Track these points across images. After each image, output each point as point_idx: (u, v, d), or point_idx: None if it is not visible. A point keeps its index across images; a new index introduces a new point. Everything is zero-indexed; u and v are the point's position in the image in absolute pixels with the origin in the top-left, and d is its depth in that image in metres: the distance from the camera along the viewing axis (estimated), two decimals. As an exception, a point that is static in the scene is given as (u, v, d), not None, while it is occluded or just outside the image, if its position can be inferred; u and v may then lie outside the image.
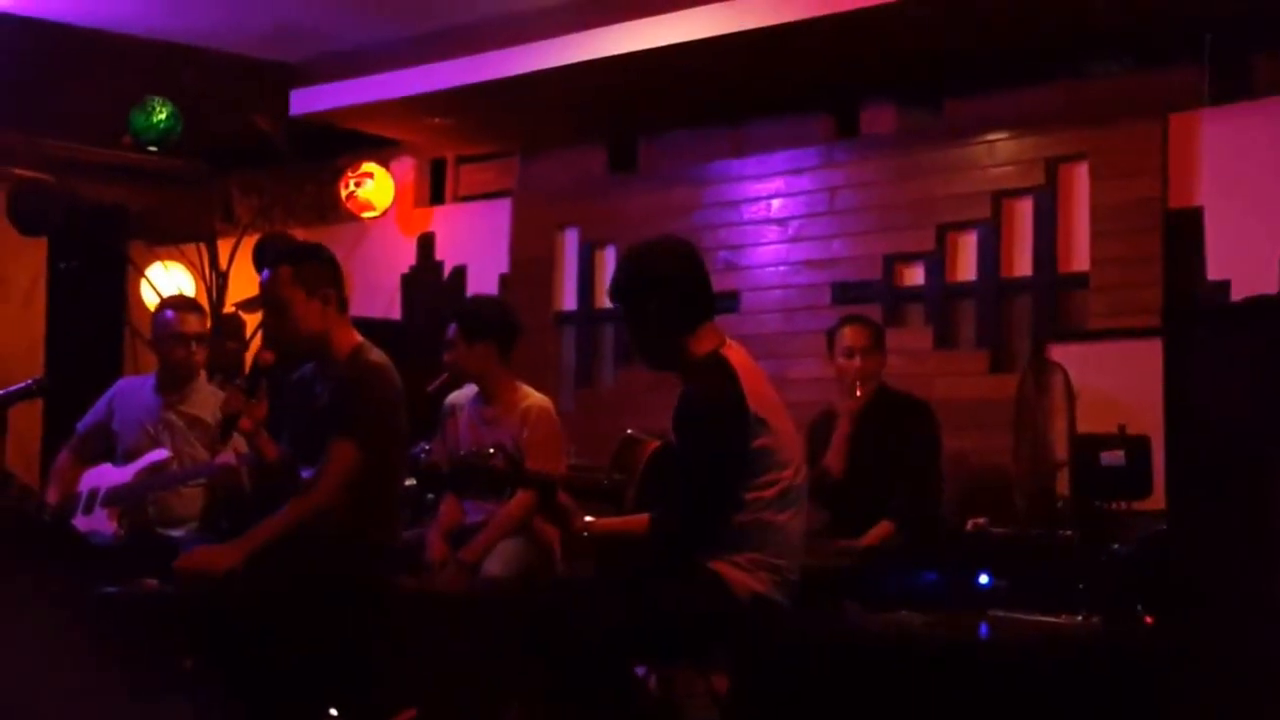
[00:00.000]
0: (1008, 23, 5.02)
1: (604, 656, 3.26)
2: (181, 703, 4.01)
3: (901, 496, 4.69)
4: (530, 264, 6.86)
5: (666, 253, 3.49)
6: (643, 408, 5.75)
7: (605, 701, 3.27)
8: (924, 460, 4.79)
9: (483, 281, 7.00)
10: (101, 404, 5.01)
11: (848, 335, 4.86)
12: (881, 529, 4.63)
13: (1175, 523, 4.43)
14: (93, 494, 4.86)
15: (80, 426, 4.99)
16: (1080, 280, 5.31)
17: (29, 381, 4.75)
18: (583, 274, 6.74)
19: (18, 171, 7.28)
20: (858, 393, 4.77)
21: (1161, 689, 3.22)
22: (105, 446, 4.94)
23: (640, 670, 3.99)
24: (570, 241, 6.80)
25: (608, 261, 6.65)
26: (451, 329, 4.70)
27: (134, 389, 5.07)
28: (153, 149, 7.06)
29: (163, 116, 6.89)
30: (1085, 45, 5.25)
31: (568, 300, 6.81)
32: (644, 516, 3.38)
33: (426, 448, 4.84)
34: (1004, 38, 5.18)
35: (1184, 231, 5.05)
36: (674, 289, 3.39)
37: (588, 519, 3.44)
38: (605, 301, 6.66)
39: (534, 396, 4.68)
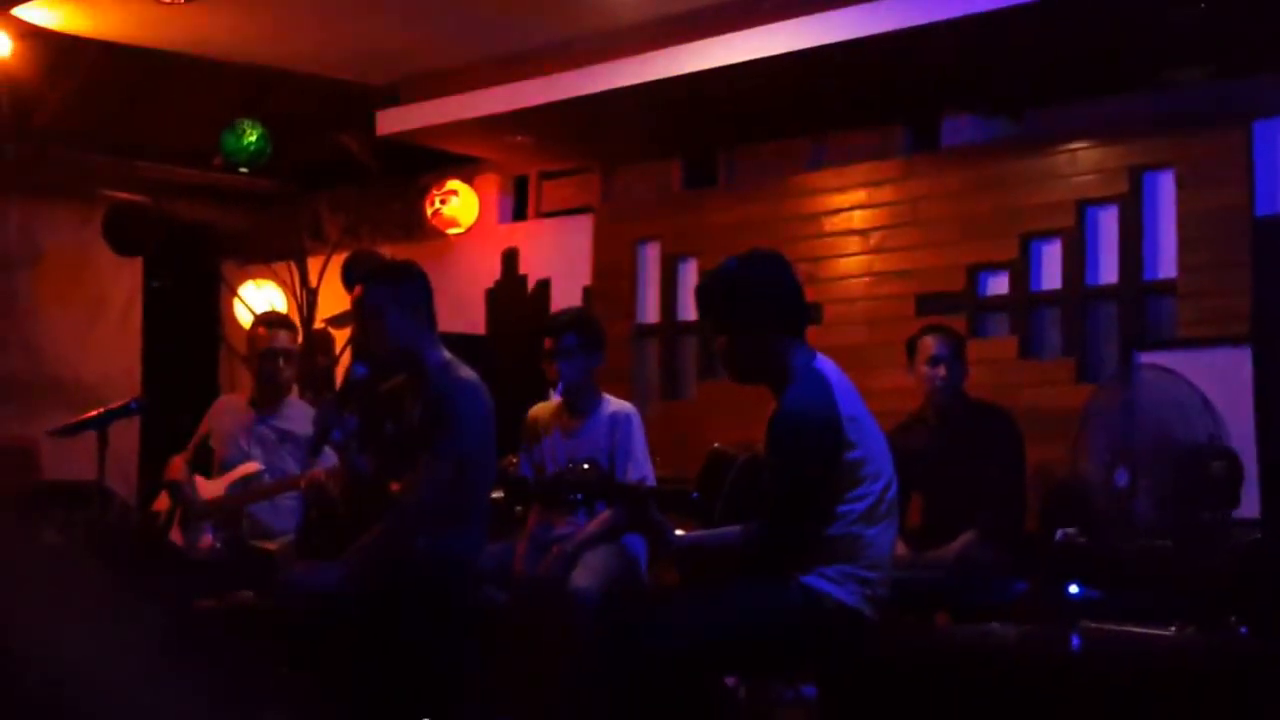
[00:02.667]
0: (1089, 30, 4.99)
1: (693, 668, 3.28)
2: (278, 714, 4.09)
3: (985, 506, 4.67)
4: (612, 277, 6.92)
5: (764, 266, 3.48)
6: (726, 418, 5.78)
7: (694, 713, 3.29)
8: (1007, 469, 4.77)
9: (566, 295, 7.08)
10: (205, 420, 5.15)
11: (930, 344, 4.87)
12: (966, 539, 4.62)
13: (1270, 532, 4.38)
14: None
15: (190, 444, 5.13)
16: (1167, 288, 5.27)
17: (129, 401, 4.88)
18: (665, 287, 6.78)
19: (113, 194, 7.48)
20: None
21: (1257, 700, 3.19)
22: (207, 461, 5.07)
23: (729, 681, 4.02)
24: (651, 255, 6.85)
25: (689, 275, 6.69)
26: (570, 339, 4.65)
27: (230, 405, 5.21)
28: (243, 170, 7.22)
29: (253, 138, 7.05)
30: (1168, 53, 5.21)
31: (650, 313, 6.86)
32: (733, 529, 3.41)
33: (513, 460, 4.90)
34: (1085, 46, 5.15)
35: (1272, 238, 4.99)
36: (773, 303, 3.40)
37: (678, 532, 3.47)
38: (687, 314, 6.71)
39: (618, 403, 4.72)
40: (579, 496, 3.44)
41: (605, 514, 4.47)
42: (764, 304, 3.39)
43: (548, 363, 4.69)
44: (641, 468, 4.60)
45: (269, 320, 5.24)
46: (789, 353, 3.40)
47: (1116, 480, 4.43)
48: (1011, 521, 4.73)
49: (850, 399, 3.37)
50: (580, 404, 4.69)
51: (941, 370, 4.81)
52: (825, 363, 3.43)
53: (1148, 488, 4.57)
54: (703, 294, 3.52)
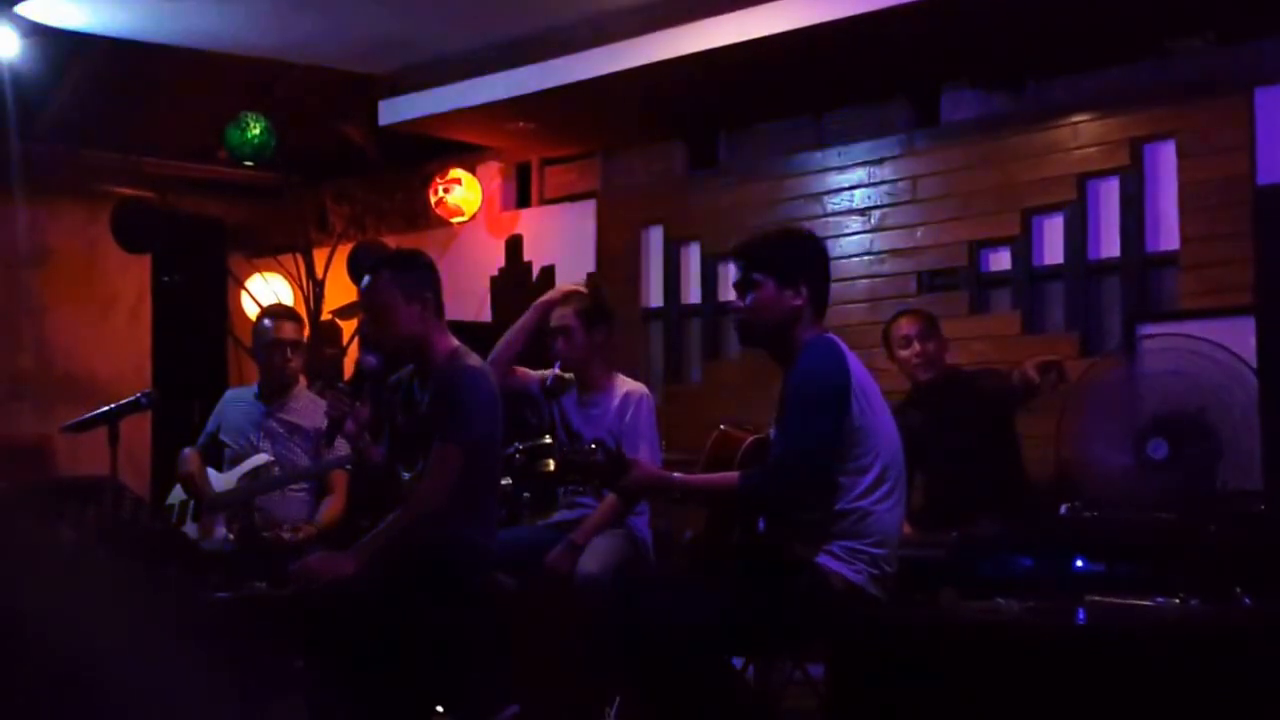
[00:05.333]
0: (1088, 1, 4.99)
1: (701, 650, 3.31)
2: (294, 703, 4.13)
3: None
4: (616, 262, 6.94)
5: (809, 242, 3.58)
6: (731, 399, 5.82)
7: (703, 694, 3.32)
8: (998, 420, 4.79)
9: (570, 281, 7.09)
10: (214, 414, 5.18)
11: (902, 325, 4.91)
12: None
13: (1274, 502, 4.39)
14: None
15: (200, 438, 5.17)
16: (1170, 260, 5.27)
17: (138, 395, 4.92)
18: (668, 271, 6.81)
19: (119, 190, 7.52)
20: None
21: (1262, 671, 3.21)
22: (217, 455, 5.11)
23: (737, 661, 4.05)
24: (655, 239, 6.88)
25: (692, 258, 6.72)
26: (569, 315, 4.63)
27: (238, 398, 5.23)
28: (248, 164, 7.25)
29: (256, 131, 7.07)
30: (1168, 22, 5.20)
31: (654, 297, 6.88)
32: (733, 475, 3.44)
33: (520, 447, 4.91)
34: (1085, 17, 5.15)
35: (1274, 207, 4.98)
36: (811, 280, 3.47)
37: (678, 475, 3.49)
38: (691, 297, 6.74)
39: (632, 383, 4.73)
40: (581, 485, 3.48)
41: (612, 497, 4.49)
42: (805, 269, 3.47)
43: (548, 340, 4.66)
44: (652, 450, 4.62)
45: (274, 312, 5.27)
46: (804, 325, 3.45)
47: (1152, 453, 4.45)
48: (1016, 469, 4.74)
49: (860, 373, 3.42)
50: (592, 381, 4.68)
51: (915, 348, 4.84)
52: (835, 338, 3.49)
53: (1155, 461, 4.59)
54: (755, 241, 3.58)
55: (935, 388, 4.87)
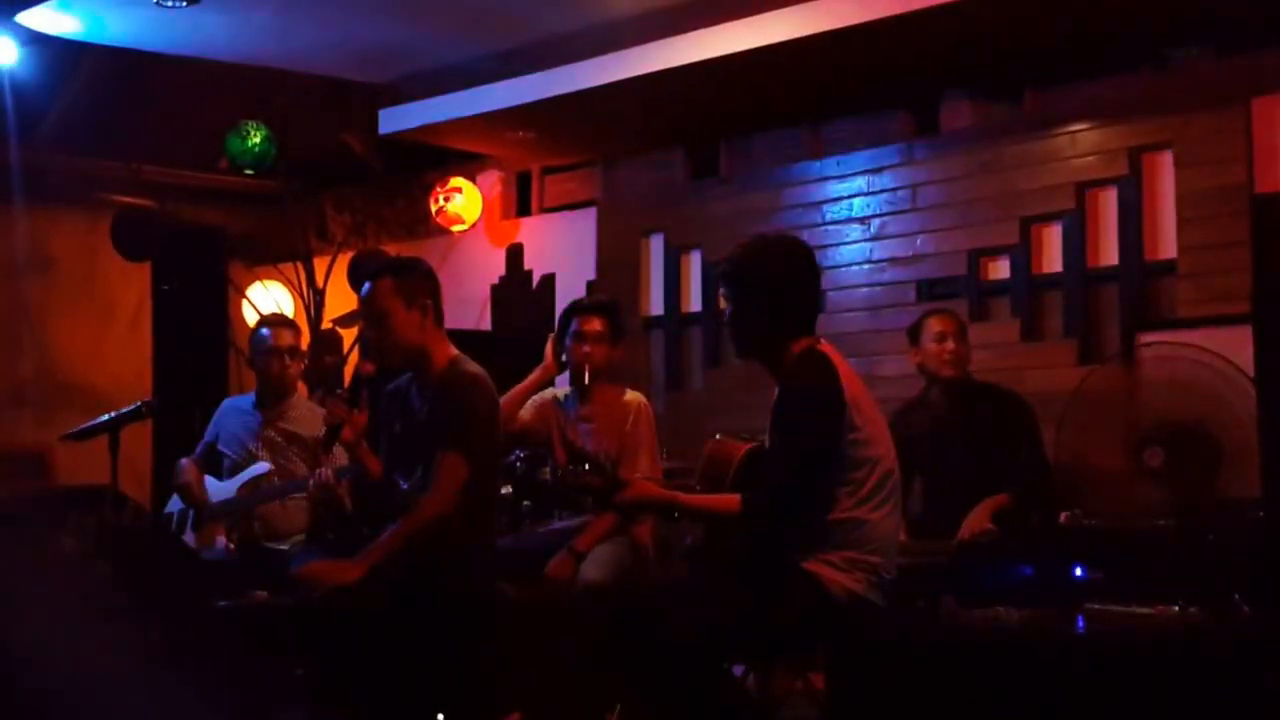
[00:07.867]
0: (1087, 11, 5.00)
1: (701, 657, 3.31)
2: (294, 712, 4.13)
3: (1018, 472, 4.69)
4: (616, 270, 6.95)
5: (788, 254, 3.52)
6: (732, 407, 5.82)
7: (703, 702, 3.33)
8: (1029, 440, 4.79)
9: (571, 289, 7.11)
10: (211, 424, 5.19)
11: (936, 322, 4.88)
12: (998, 500, 4.62)
13: (1272, 509, 4.40)
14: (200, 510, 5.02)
15: (198, 447, 5.17)
16: (1168, 268, 5.28)
17: (138, 404, 4.93)
18: (669, 279, 6.81)
19: (119, 199, 7.53)
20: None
21: (1262, 680, 3.21)
22: (216, 464, 5.11)
23: (738, 669, 4.06)
24: (655, 247, 6.89)
25: (693, 266, 6.74)
26: (599, 323, 4.67)
27: (236, 407, 5.23)
28: (249, 172, 7.27)
29: (257, 140, 7.09)
30: (1166, 32, 5.22)
31: (655, 305, 6.89)
32: (734, 496, 3.44)
33: (521, 455, 4.91)
34: (1084, 27, 5.17)
35: (1271, 216, 5.00)
36: (777, 294, 3.44)
37: (677, 494, 3.51)
38: (692, 305, 6.75)
39: (634, 393, 4.74)
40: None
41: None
42: (770, 291, 3.43)
43: (575, 345, 4.67)
44: (651, 459, 4.63)
45: (270, 320, 5.28)
46: (787, 341, 3.44)
47: (1151, 461, 4.46)
48: (1045, 486, 4.73)
49: (853, 383, 3.41)
50: (594, 391, 4.70)
51: (949, 345, 4.82)
52: (827, 346, 3.48)
53: (1154, 468, 4.61)
54: (724, 263, 3.56)
55: (954, 390, 4.84)
